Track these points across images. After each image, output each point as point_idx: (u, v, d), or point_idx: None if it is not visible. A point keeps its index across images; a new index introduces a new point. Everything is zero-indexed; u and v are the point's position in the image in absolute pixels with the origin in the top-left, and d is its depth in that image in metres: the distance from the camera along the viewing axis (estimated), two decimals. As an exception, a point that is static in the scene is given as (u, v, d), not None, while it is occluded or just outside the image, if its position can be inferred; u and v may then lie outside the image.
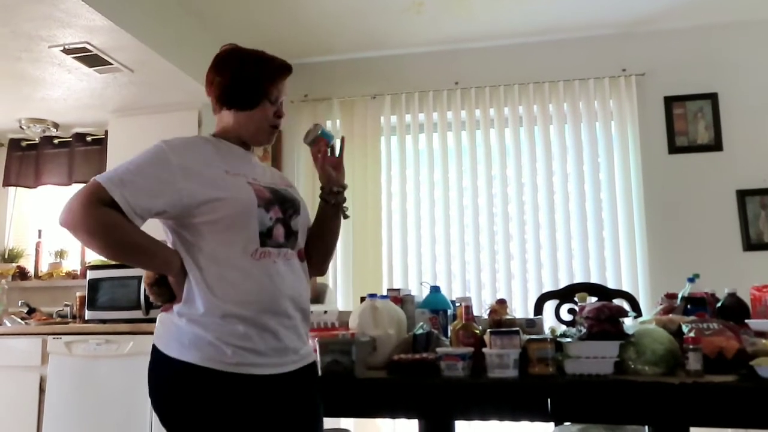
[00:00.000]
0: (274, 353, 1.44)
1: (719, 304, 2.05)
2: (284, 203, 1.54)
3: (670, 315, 2.01)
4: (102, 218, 1.34)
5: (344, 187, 1.71)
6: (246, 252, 1.43)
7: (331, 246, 1.74)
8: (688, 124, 3.80)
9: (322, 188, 1.70)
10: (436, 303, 2.18)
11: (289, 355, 1.48)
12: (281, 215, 1.51)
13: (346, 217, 1.72)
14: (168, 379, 1.41)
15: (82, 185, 1.34)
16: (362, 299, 2.13)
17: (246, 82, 1.55)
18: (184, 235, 1.45)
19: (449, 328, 2.05)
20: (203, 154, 1.49)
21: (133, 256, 1.43)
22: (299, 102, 4.07)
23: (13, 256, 4.58)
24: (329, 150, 1.70)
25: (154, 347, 1.46)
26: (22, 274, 4.51)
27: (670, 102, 3.84)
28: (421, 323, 2.03)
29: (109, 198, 1.34)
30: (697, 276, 2.16)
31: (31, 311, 4.18)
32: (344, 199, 1.71)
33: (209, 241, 1.43)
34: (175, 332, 1.42)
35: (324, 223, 1.70)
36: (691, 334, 1.73)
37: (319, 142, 1.67)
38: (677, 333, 1.82)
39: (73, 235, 1.36)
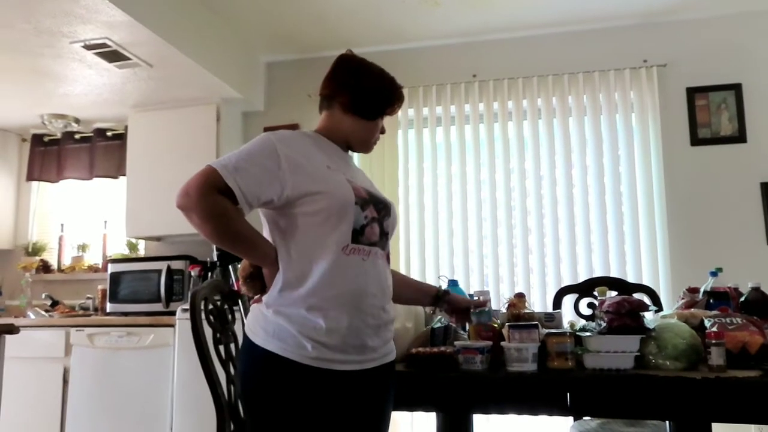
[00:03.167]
0: (353, 350, 1.47)
1: (742, 299, 2.02)
2: (378, 204, 1.58)
3: (692, 309, 1.98)
4: (216, 206, 1.40)
5: None
6: (338, 246, 1.46)
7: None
8: (711, 116, 3.74)
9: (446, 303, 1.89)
10: (454, 297, 2.18)
11: (368, 353, 1.50)
12: (375, 215, 1.55)
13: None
14: (252, 365, 1.47)
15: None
16: (380, 293, 2.13)
17: (380, 96, 1.63)
18: (280, 226, 1.50)
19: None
20: (306, 148, 1.53)
21: (237, 244, 1.48)
22: (317, 96, 4.06)
23: (36, 250, 4.66)
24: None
25: (244, 335, 1.52)
26: (45, 267, 4.58)
27: (692, 93, 3.77)
28: (439, 317, 2.03)
29: (224, 184, 1.39)
30: (719, 270, 2.13)
31: (55, 304, 4.25)
32: None
33: (304, 233, 1.47)
34: (262, 321, 1.47)
35: (415, 301, 1.92)
36: (714, 329, 1.71)
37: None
38: (699, 328, 1.80)
39: (187, 218, 1.42)
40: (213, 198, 1.39)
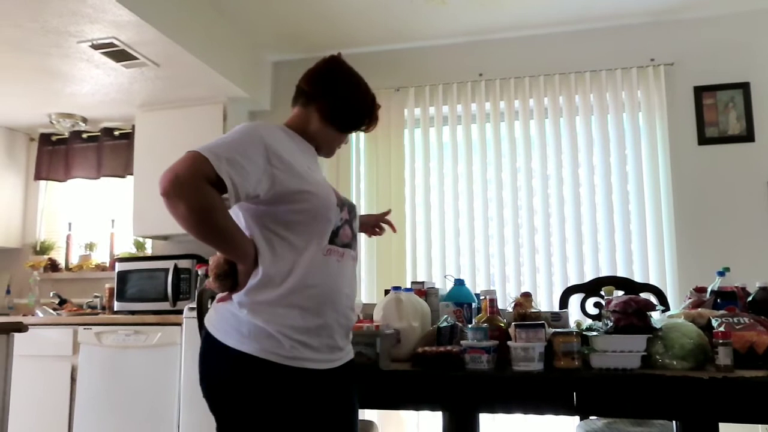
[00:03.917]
0: (326, 349, 1.48)
1: (750, 298, 2.01)
2: (349, 206, 1.59)
3: (700, 309, 1.98)
4: (207, 199, 1.34)
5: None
6: (318, 246, 1.47)
7: None
8: (719, 115, 3.72)
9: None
10: (460, 296, 2.18)
11: (336, 352, 1.52)
12: (347, 217, 1.56)
13: None
14: (224, 368, 1.43)
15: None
16: (386, 292, 2.14)
17: (360, 114, 1.65)
18: (263, 222, 1.46)
19: (474, 321, 2.04)
20: (287, 144, 1.51)
21: (218, 240, 1.41)
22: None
23: (44, 249, 4.68)
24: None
25: (208, 336, 1.47)
26: (53, 265, 4.61)
27: (699, 92, 3.75)
28: (446, 316, 2.03)
29: (215, 175, 1.33)
30: (727, 269, 2.12)
31: (63, 302, 4.28)
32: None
33: (288, 231, 1.45)
34: (234, 322, 1.43)
35: None
36: (721, 329, 1.70)
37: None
38: (706, 327, 1.80)
39: (169, 205, 1.32)
40: (205, 190, 1.33)
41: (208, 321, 1.50)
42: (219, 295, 1.50)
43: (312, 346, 1.44)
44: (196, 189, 1.32)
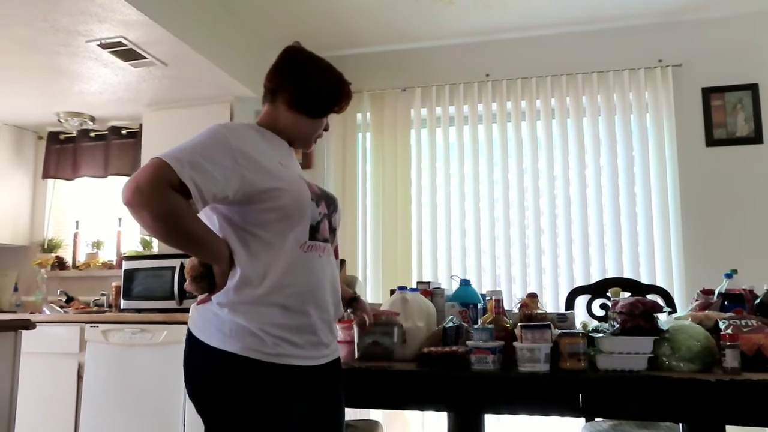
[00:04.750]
0: (310, 346, 1.48)
1: (758, 301, 2.00)
2: (328, 200, 1.58)
3: (707, 311, 1.97)
4: (170, 204, 1.32)
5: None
6: (297, 243, 1.46)
7: None
8: (727, 116, 3.70)
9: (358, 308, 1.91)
10: (466, 296, 2.18)
11: (321, 349, 1.52)
12: (326, 211, 1.55)
13: None
14: (209, 368, 1.43)
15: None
16: (392, 292, 2.14)
17: (326, 96, 1.60)
18: (236, 222, 1.45)
19: (479, 321, 2.04)
20: (256, 142, 1.49)
21: (189, 244, 1.41)
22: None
23: (52, 246, 4.71)
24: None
25: (192, 337, 1.47)
26: (60, 263, 4.63)
27: (708, 93, 3.74)
28: (451, 316, 2.02)
29: (178, 181, 1.32)
30: (734, 272, 2.12)
31: (70, 300, 4.29)
32: None
33: (263, 230, 1.43)
34: (216, 322, 1.42)
35: None
36: (729, 331, 1.69)
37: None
38: (714, 330, 1.79)
39: (135, 215, 1.32)
40: (167, 196, 1.31)
41: (191, 322, 1.50)
42: (199, 297, 1.51)
43: (295, 342, 1.44)
44: (158, 196, 1.31)
